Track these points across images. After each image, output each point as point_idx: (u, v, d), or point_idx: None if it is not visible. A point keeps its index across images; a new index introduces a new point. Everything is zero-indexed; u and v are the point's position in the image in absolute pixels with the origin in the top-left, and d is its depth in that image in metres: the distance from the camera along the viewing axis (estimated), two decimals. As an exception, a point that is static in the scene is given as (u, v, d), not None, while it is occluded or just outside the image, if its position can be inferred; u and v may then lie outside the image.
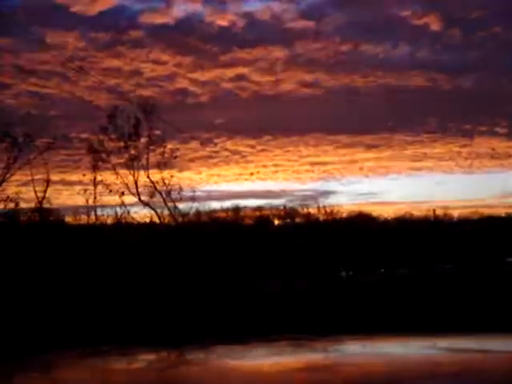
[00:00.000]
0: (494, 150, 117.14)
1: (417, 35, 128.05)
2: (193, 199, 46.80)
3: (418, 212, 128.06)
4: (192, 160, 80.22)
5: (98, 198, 44.05)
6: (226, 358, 6.38)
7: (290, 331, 13.70)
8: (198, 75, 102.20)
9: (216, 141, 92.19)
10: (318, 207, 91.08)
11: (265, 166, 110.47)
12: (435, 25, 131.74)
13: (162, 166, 44.55)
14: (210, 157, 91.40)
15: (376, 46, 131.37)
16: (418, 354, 5.55)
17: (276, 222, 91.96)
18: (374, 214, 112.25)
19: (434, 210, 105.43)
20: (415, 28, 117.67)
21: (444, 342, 6.09)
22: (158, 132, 45.31)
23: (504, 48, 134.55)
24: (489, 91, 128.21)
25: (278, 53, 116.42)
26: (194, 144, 76.29)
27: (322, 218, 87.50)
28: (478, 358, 5.15)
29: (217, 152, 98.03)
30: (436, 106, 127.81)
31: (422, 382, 3.77)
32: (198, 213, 53.92)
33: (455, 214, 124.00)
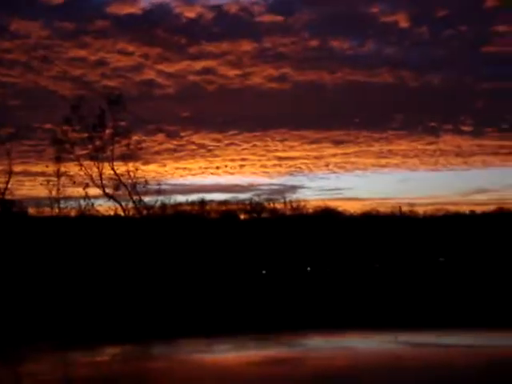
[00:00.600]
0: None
1: (385, 32, 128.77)
2: (158, 192, 46.44)
3: (383, 208, 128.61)
4: (157, 152, 79.60)
5: (62, 189, 43.48)
6: (191, 352, 6.35)
7: (255, 325, 13.72)
8: (165, 67, 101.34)
9: (182, 134, 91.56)
10: (285, 202, 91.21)
11: (232, 160, 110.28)
12: (403, 22, 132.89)
13: (126, 158, 44.08)
14: (176, 150, 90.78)
15: (344, 43, 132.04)
16: (379, 348, 5.60)
17: (242, 216, 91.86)
18: (340, 209, 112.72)
19: (400, 207, 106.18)
20: (383, 25, 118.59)
21: (404, 337, 6.18)
22: (123, 123, 44.87)
23: (470, 46, 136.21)
24: (455, 89, 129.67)
25: (246, 46, 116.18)
26: (160, 136, 75.78)
27: (288, 212, 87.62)
28: (437, 352, 5.24)
29: (183, 145, 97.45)
30: (402, 103, 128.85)
31: (381, 374, 3.81)
32: (163, 206, 53.62)
33: (420, 210, 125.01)
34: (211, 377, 4.57)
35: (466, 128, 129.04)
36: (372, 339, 6.76)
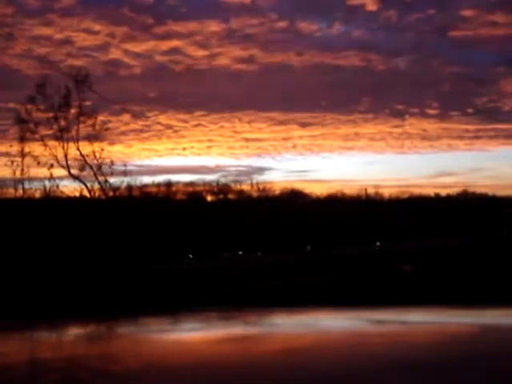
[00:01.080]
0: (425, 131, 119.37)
1: (353, 15, 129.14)
2: (124, 173, 46.27)
3: (349, 190, 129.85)
4: (123, 133, 78.97)
5: (26, 170, 42.96)
6: (155, 331, 6.35)
7: (218, 304, 13.83)
8: (132, 46, 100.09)
9: (148, 114, 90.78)
10: (252, 184, 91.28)
11: (199, 141, 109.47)
12: (371, 5, 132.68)
13: (92, 138, 43.77)
14: (142, 130, 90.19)
15: (312, 25, 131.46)
16: (344, 326, 5.67)
17: (209, 197, 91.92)
18: (307, 191, 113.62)
19: (366, 189, 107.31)
20: (352, 8, 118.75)
21: (367, 314, 6.26)
22: (88, 103, 44.34)
23: (438, 31, 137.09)
24: (421, 73, 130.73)
25: (214, 27, 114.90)
26: (126, 117, 75.09)
27: (255, 194, 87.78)
28: (400, 329, 5.33)
29: (149, 126, 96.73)
30: (369, 86, 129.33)
31: (347, 351, 3.88)
32: (129, 187, 53.48)
33: (386, 193, 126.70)
34: (176, 354, 4.60)
35: (432, 111, 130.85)
36: (336, 317, 6.86)
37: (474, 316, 5.80)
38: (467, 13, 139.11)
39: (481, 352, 3.39)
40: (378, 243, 79.33)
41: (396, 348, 3.34)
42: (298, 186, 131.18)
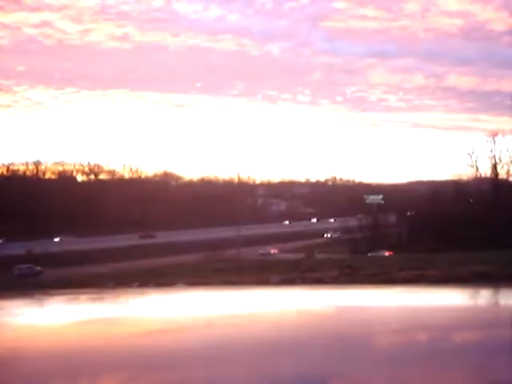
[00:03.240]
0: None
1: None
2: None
3: (223, 174, 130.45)
4: (-12, 108, 74.89)
5: None
6: (14, 315, 6.30)
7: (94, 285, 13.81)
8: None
9: (16, 89, 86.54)
10: (124, 164, 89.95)
11: (70, 119, 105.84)
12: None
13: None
14: (10, 106, 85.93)
15: (188, 6, 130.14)
16: (203, 306, 5.92)
17: (79, 177, 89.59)
18: (179, 174, 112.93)
19: (239, 173, 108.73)
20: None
21: (228, 294, 6.56)
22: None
23: (310, 20, 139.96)
24: (294, 61, 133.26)
25: (88, 2, 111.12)
26: (-8, 91, 71.31)
27: (127, 175, 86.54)
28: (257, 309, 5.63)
29: (17, 101, 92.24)
30: (243, 70, 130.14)
31: (194, 332, 4.14)
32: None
33: (257, 177, 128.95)
34: (38, 337, 4.67)
35: (303, 98, 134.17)
36: (197, 296, 7.15)
37: (334, 296, 6.19)
38: (339, 5, 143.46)
39: (332, 331, 3.73)
40: (243, 226, 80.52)
41: (245, 330, 3.66)
42: (171, 169, 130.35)
